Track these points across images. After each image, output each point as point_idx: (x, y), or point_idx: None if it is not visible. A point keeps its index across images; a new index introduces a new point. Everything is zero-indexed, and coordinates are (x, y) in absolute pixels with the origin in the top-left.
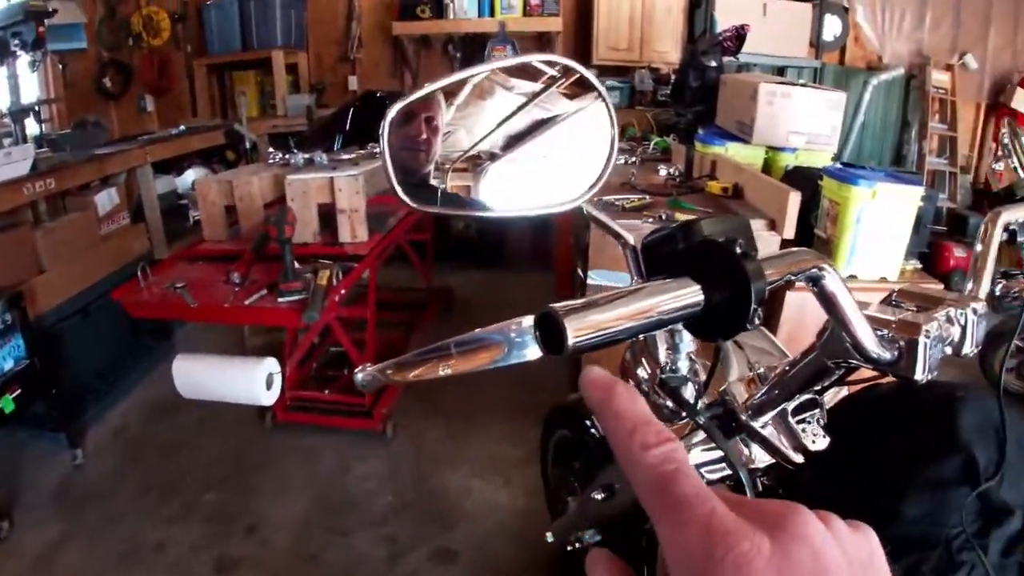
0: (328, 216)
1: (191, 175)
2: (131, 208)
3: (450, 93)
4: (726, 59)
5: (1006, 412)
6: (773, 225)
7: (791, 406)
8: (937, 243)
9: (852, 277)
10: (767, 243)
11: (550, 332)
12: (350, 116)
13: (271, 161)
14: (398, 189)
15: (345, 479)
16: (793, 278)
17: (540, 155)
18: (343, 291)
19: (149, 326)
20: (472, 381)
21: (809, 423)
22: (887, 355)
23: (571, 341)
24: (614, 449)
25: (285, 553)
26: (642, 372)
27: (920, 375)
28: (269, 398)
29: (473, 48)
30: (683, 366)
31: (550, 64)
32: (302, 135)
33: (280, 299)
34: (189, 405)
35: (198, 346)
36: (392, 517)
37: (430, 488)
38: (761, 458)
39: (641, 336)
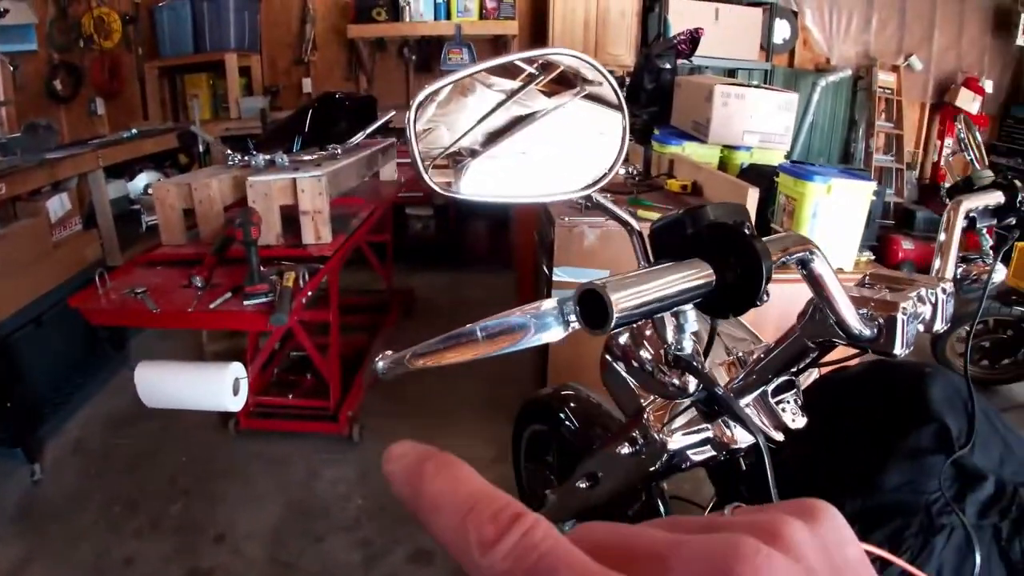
0: (291, 218)
1: (143, 179)
2: (83, 214)
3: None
4: (679, 61)
5: (973, 388)
6: None
7: (770, 387)
8: (886, 236)
9: None
10: None
11: (592, 308)
12: (309, 117)
13: (230, 163)
14: (426, 176)
15: (314, 484)
16: (787, 260)
17: (553, 146)
18: (310, 292)
19: (105, 335)
20: (440, 378)
21: (787, 403)
22: (868, 332)
23: (617, 315)
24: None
25: (258, 562)
26: (645, 353)
27: (899, 350)
28: (236, 404)
29: (429, 51)
30: (687, 345)
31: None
32: (260, 137)
33: (246, 302)
34: (149, 414)
35: (155, 354)
36: (365, 520)
37: None
38: (743, 439)
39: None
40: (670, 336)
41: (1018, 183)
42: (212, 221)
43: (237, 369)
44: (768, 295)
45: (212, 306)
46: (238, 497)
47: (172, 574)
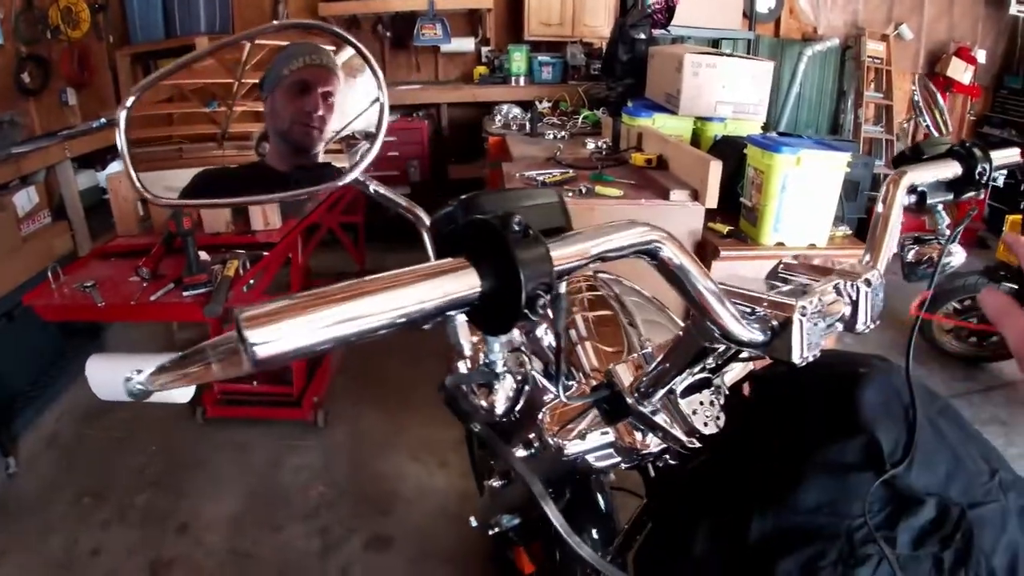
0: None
1: (115, 168)
2: (52, 206)
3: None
4: (660, 32)
5: (919, 389)
6: (696, 195)
7: (679, 388)
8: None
9: (780, 244)
10: (691, 214)
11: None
12: None
13: None
14: (137, 182)
15: (277, 472)
16: (616, 255)
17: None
18: (250, 281)
19: (78, 327)
20: (407, 361)
21: (703, 404)
22: (759, 336)
23: (259, 354)
24: None
25: (218, 552)
26: (462, 366)
27: (796, 357)
28: (184, 396)
29: (404, 27)
30: (497, 359)
31: (305, 30)
32: None
33: (185, 293)
34: (119, 405)
35: (127, 344)
36: (325, 508)
37: (365, 475)
38: (654, 443)
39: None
40: (467, 350)
41: (978, 151)
42: (163, 210)
43: None
44: (544, 308)
45: (153, 298)
46: (203, 486)
47: (135, 565)
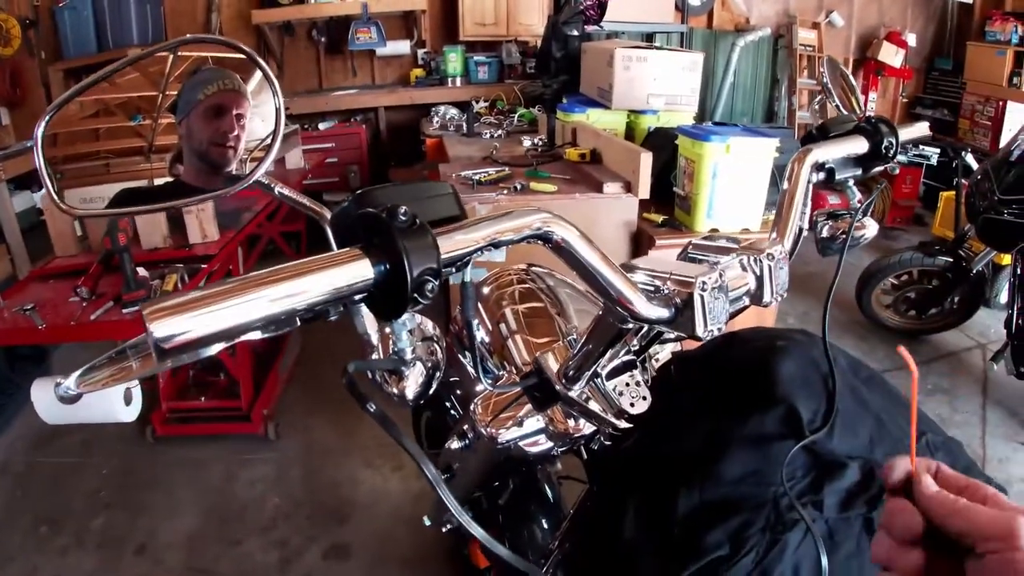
0: (178, 217)
1: None
2: None
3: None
4: (593, 28)
5: (844, 360)
6: (629, 187)
7: (604, 371)
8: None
9: (714, 231)
10: (625, 205)
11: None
12: None
13: None
14: (55, 196)
15: (232, 487)
16: (507, 241)
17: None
18: None
19: (23, 352)
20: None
21: (628, 385)
22: (665, 313)
23: (164, 346)
24: None
25: (178, 570)
26: (375, 356)
27: (701, 331)
28: (130, 414)
29: (338, 32)
30: (406, 347)
31: (204, 44)
32: None
33: (124, 310)
34: (69, 429)
35: (77, 364)
36: (282, 520)
37: (320, 484)
38: (587, 427)
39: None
40: (374, 339)
41: (883, 127)
42: (100, 229)
43: None
44: (429, 295)
45: (93, 317)
46: (158, 506)
47: None
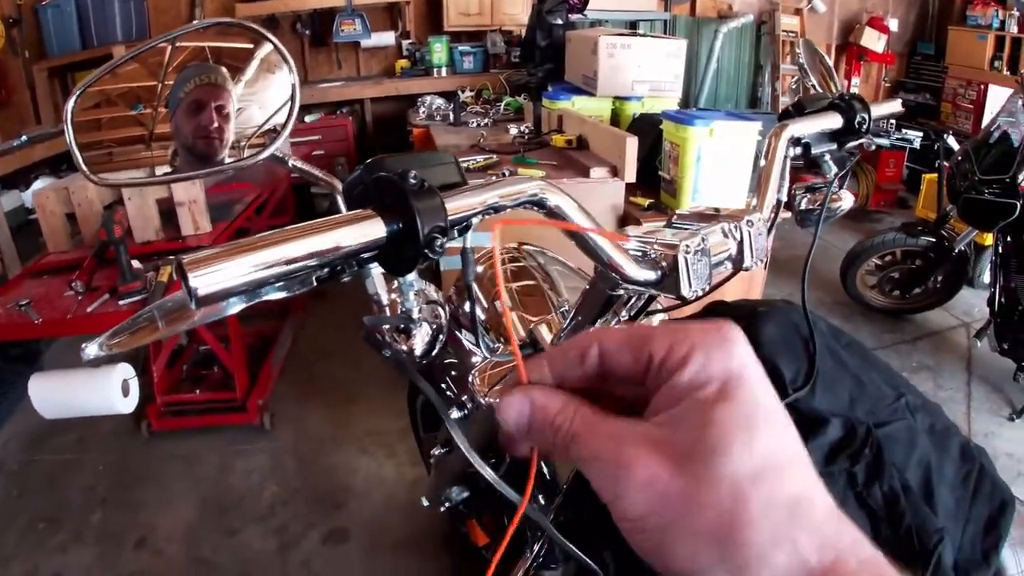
0: (170, 211)
1: (41, 185)
2: None
3: (237, 69)
4: (577, 17)
5: (823, 326)
6: (616, 171)
7: None
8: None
9: None
10: (612, 189)
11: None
12: None
13: None
14: (83, 166)
15: (228, 477)
16: (506, 205)
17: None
18: None
19: (15, 352)
20: (347, 358)
21: None
22: (652, 275)
23: (200, 291)
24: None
25: (178, 561)
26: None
27: (687, 291)
28: (127, 405)
29: (323, 24)
30: (413, 306)
31: (226, 27)
32: None
33: (121, 302)
34: (64, 426)
35: (69, 362)
36: (279, 508)
37: (316, 472)
38: None
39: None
40: (384, 298)
41: (856, 103)
42: (92, 222)
43: (125, 370)
44: (439, 251)
45: (89, 310)
46: (156, 499)
47: None
